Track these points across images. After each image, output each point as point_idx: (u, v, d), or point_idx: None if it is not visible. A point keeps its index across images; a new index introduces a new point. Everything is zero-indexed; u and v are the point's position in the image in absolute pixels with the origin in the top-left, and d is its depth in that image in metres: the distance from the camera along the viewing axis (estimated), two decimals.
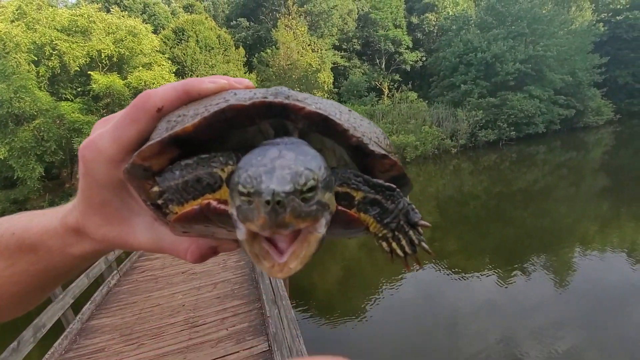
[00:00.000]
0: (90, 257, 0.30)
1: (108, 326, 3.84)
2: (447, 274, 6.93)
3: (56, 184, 23.61)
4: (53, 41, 20.03)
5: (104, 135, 0.25)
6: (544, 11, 27.85)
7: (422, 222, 0.26)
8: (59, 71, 21.14)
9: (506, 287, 6.23)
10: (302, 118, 0.22)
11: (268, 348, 3.11)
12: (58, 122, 19.43)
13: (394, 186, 0.24)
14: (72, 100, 22.14)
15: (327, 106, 0.23)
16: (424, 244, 0.26)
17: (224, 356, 2.96)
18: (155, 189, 0.22)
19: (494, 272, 6.81)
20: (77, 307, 4.07)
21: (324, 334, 5.25)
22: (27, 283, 0.30)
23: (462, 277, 6.76)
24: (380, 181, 0.23)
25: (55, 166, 21.92)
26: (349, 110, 0.26)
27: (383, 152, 0.24)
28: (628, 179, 13.54)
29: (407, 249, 0.26)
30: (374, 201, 0.24)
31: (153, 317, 3.91)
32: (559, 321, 4.99)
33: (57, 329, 3.71)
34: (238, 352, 3.09)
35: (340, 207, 0.22)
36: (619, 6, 34.30)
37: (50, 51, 20.37)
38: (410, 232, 0.25)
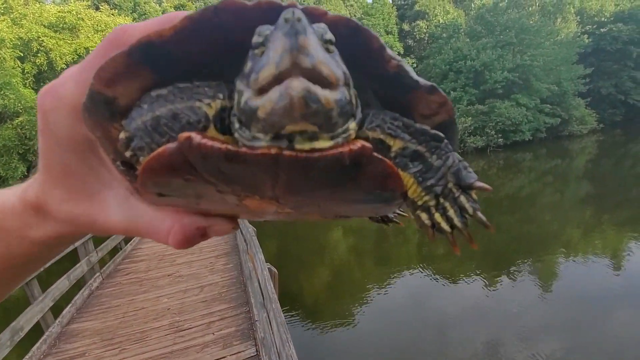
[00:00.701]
0: (53, 243, 0.24)
1: (89, 330, 3.71)
2: (435, 279, 6.99)
3: None
4: (40, 37, 19.64)
5: (66, 79, 0.19)
6: (531, 22, 28.64)
7: (479, 183, 0.20)
8: (45, 68, 20.74)
9: (493, 292, 6.31)
10: (324, 19, 0.16)
11: (256, 353, 3.05)
12: None
13: (442, 135, 0.18)
14: None
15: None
16: (479, 214, 0.21)
17: None
18: (122, 134, 0.17)
19: (481, 277, 6.89)
20: (57, 310, 3.93)
21: (312, 339, 5.20)
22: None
23: (450, 281, 6.81)
24: (425, 127, 0.18)
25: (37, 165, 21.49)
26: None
27: (429, 83, 0.18)
28: (610, 186, 13.93)
29: (455, 220, 0.20)
30: (416, 154, 0.18)
31: (136, 321, 3.80)
32: (544, 325, 5.07)
33: (36, 332, 3.57)
34: (225, 357, 3.02)
35: (375, 153, 0.16)
36: (603, 18, 35.46)
37: (37, 47, 19.98)
38: (462, 198, 0.20)
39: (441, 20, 36.21)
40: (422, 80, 0.18)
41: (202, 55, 0.17)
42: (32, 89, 20.24)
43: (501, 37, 27.88)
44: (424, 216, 0.20)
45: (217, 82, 0.17)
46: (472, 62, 27.36)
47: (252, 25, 0.15)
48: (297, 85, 0.13)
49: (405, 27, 38.14)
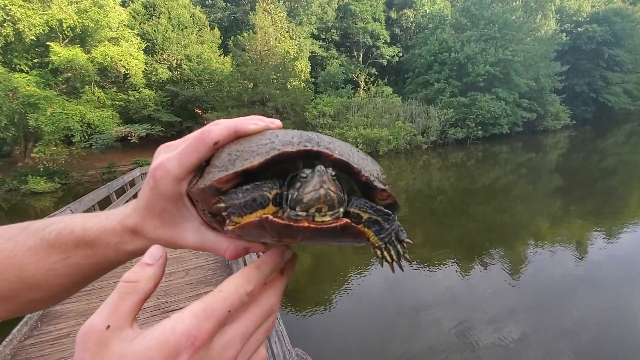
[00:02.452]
0: (139, 252, 0.35)
1: (73, 312, 3.71)
2: (412, 265, 7.26)
3: (8, 162, 21.82)
4: (6, 6, 18.22)
5: (171, 160, 0.31)
6: (514, 17, 29.14)
7: (407, 239, 0.35)
8: (12, 39, 19.32)
9: (465, 278, 6.62)
10: (330, 161, 0.31)
11: None
12: (11, 95, 17.85)
13: (390, 212, 0.33)
14: (27, 73, 20.40)
15: (344, 150, 0.33)
16: (406, 255, 0.36)
17: None
18: (222, 205, 0.29)
19: (455, 263, 7.21)
20: None
21: (292, 321, 5.37)
22: (73, 275, 0.35)
23: (425, 268, 7.07)
24: (382, 208, 0.33)
25: (7, 143, 20.22)
26: (358, 151, 0.35)
27: (382, 186, 0.33)
28: (579, 180, 14.72)
29: (394, 257, 0.35)
30: (376, 221, 0.32)
31: None
32: (510, 309, 5.40)
33: (17, 317, 3.54)
34: None
35: (352, 223, 0.30)
36: (580, 18, 36.52)
37: (3, 17, 18.54)
38: (398, 246, 0.35)
39: (428, 11, 36.24)
40: (379, 185, 0.33)
41: (262, 172, 0.31)
42: (0, 61, 18.89)
43: (485, 30, 28.31)
44: (378, 252, 0.35)
45: (273, 180, 0.31)
46: (457, 55, 27.72)
47: (293, 157, 0.31)
48: (322, 191, 0.28)
49: (393, 15, 37.94)
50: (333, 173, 0.29)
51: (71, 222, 0.35)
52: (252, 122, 0.32)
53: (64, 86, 21.81)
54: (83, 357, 0.23)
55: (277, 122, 0.34)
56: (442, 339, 4.77)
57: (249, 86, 25.70)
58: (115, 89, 23.92)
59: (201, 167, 0.33)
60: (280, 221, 0.29)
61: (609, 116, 38.79)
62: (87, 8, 20.65)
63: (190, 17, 28.93)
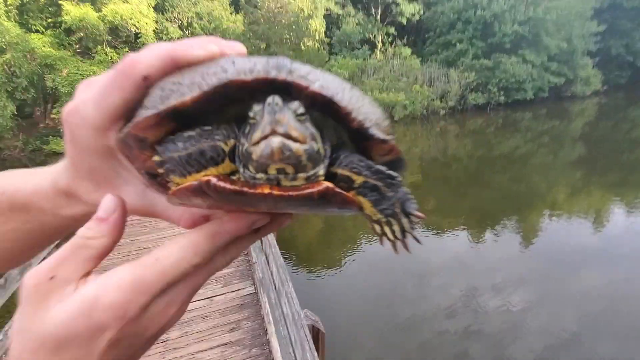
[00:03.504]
0: (81, 218, 0.29)
1: None
2: (423, 231, 7.30)
3: (30, 123, 22.41)
4: None
5: (87, 102, 0.24)
6: None
7: (417, 212, 0.26)
8: None
9: (475, 246, 6.67)
10: (305, 97, 0.21)
11: (254, 291, 3.33)
12: (29, 56, 17.95)
13: (396, 175, 0.24)
14: (42, 33, 20.33)
15: (330, 83, 0.23)
16: (414, 233, 0.27)
17: (212, 297, 3.16)
18: (157, 158, 0.22)
19: (467, 231, 7.21)
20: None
21: (302, 282, 5.57)
22: (20, 240, 0.32)
23: (436, 234, 7.12)
24: (384, 168, 0.24)
25: (28, 104, 20.67)
26: (352, 88, 0.25)
27: (383, 136, 0.24)
28: (604, 150, 14.11)
29: (397, 234, 0.27)
30: (374, 187, 0.24)
31: None
32: (519, 278, 5.43)
33: None
34: (226, 293, 3.29)
35: (336, 189, 0.22)
36: None
37: None
38: (404, 220, 0.26)
39: None
40: (376, 134, 0.24)
41: (214, 113, 0.23)
42: (17, 22, 18.79)
43: None
44: (376, 227, 0.27)
45: (229, 125, 0.23)
46: (483, 12, 25.82)
47: (250, 90, 0.21)
48: (275, 140, 0.19)
49: None
50: (300, 110, 0.21)
51: (6, 181, 0.31)
52: (199, 46, 0.23)
53: (77, 46, 21.71)
54: (24, 306, 0.22)
55: (239, 47, 0.25)
56: (449, 303, 4.86)
57: (262, 47, 24.90)
58: (127, 49, 23.66)
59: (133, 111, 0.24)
60: (227, 186, 0.21)
61: None
62: None
63: None
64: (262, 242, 3.39)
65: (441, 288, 5.26)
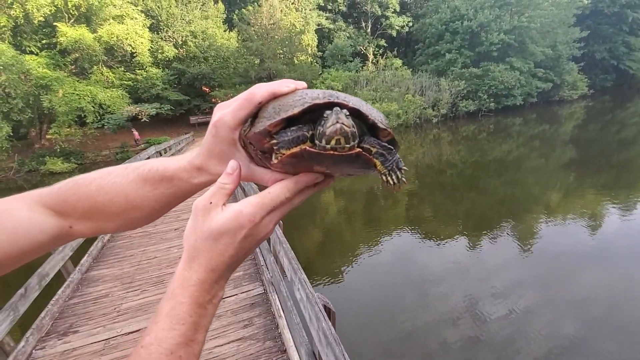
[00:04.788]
0: (204, 185, 0.47)
1: (108, 276, 4.03)
2: (421, 239, 7.34)
3: (25, 144, 22.38)
4: None
5: (227, 114, 0.42)
6: None
7: (404, 167, 0.45)
8: (22, 21, 19.32)
9: (473, 251, 6.65)
10: (346, 108, 0.39)
11: (263, 291, 3.44)
12: (24, 77, 18.09)
13: (392, 147, 0.43)
14: (37, 54, 20.51)
15: (357, 102, 0.42)
16: (403, 179, 0.45)
17: (223, 298, 3.25)
18: (274, 141, 0.39)
19: (464, 237, 7.23)
20: (75, 261, 4.21)
21: None
22: (163, 201, 0.47)
23: (434, 241, 7.13)
24: (385, 143, 0.43)
25: (23, 125, 20.65)
26: (366, 103, 0.44)
27: (384, 127, 0.42)
28: (594, 152, 14.45)
29: (395, 180, 0.44)
30: (382, 154, 0.42)
31: (152, 268, 4.13)
32: (519, 283, 5.43)
33: (59, 280, 3.87)
34: (236, 294, 3.40)
35: (363, 152, 0.40)
36: None
37: None
38: (398, 173, 0.45)
39: None
40: (381, 126, 0.42)
41: (300, 118, 0.40)
42: (10, 44, 18.96)
43: None
44: (383, 177, 0.44)
45: (309, 124, 0.40)
46: (469, 23, 26.65)
47: (321, 106, 0.39)
48: (338, 125, 0.36)
49: None
50: (347, 113, 0.38)
51: (157, 163, 0.47)
52: (285, 85, 0.42)
53: (72, 67, 21.92)
54: (196, 216, 0.39)
55: (303, 84, 0.44)
56: (450, 310, 4.84)
57: (256, 62, 25.38)
58: (122, 69, 23.93)
59: (249, 120, 0.43)
60: (313, 150, 0.38)
61: (630, 84, 37.24)
62: None
63: None
64: (269, 243, 3.52)
65: (441, 295, 5.24)
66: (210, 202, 0.39)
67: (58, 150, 20.29)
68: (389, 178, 0.44)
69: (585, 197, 9.20)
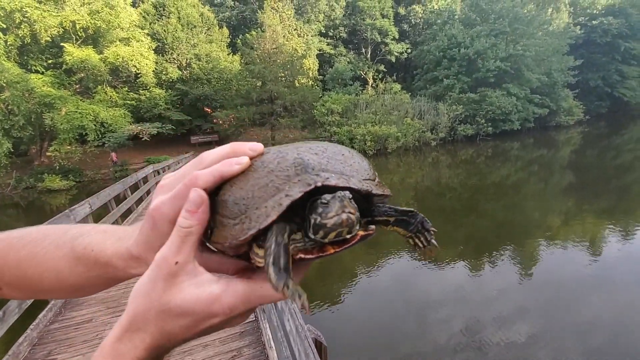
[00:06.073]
0: (140, 274, 0.42)
1: (93, 299, 3.86)
2: (421, 263, 7.19)
3: (25, 160, 22.43)
4: (23, 8, 18.70)
5: (165, 203, 0.34)
6: (525, 11, 28.70)
7: (432, 228, 0.39)
8: (29, 41, 19.83)
9: (474, 276, 6.54)
10: (346, 190, 0.32)
11: (254, 318, 3.28)
12: (27, 95, 18.35)
13: (413, 210, 0.38)
14: (42, 73, 20.92)
15: (341, 167, 0.35)
16: (433, 241, 0.39)
17: None
18: (259, 251, 0.32)
19: (464, 261, 7.12)
20: None
21: (302, 318, 5.42)
22: (96, 284, 0.43)
23: (434, 266, 7.01)
24: (404, 208, 0.38)
25: (23, 142, 20.76)
26: (346, 153, 0.37)
27: (382, 192, 0.36)
28: (592, 177, 14.47)
29: (424, 242, 0.39)
30: (403, 220, 0.38)
31: None
32: (520, 310, 5.29)
33: (41, 302, 3.72)
34: None
35: (367, 232, 0.34)
36: (595, 11, 35.76)
37: (20, 18, 19.03)
38: (426, 234, 0.39)
39: (436, 7, 35.91)
40: (376, 191, 0.35)
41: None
42: (16, 62, 19.36)
43: (495, 25, 27.94)
44: (410, 241, 0.40)
45: (291, 223, 0.32)
46: (466, 50, 27.44)
47: (317, 193, 0.31)
48: (344, 215, 0.29)
49: (401, 11, 37.71)
50: (350, 196, 0.31)
51: (94, 240, 0.41)
52: (235, 162, 0.34)
53: (77, 86, 22.30)
54: (156, 279, 0.31)
55: (258, 148, 0.36)
56: (450, 336, 4.71)
57: (258, 84, 25.88)
58: (126, 89, 24.35)
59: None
60: (312, 257, 0.32)
61: (624, 111, 37.89)
62: (99, 9, 21.06)
63: (199, 16, 29.23)
64: None
65: (442, 322, 5.09)
66: (177, 262, 0.31)
67: (57, 167, 20.29)
68: (417, 241, 0.40)
69: (585, 222, 9.12)
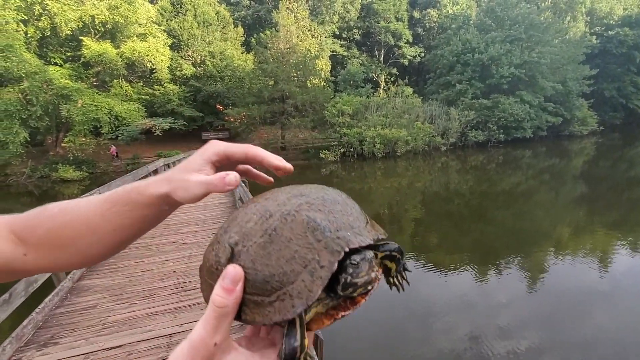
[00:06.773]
0: (171, 210, 0.44)
1: (99, 286, 3.94)
2: (426, 269, 7.11)
3: (40, 150, 22.93)
4: (44, 0, 19.17)
5: (201, 171, 0.40)
6: (541, 18, 28.27)
7: (407, 269, 0.45)
8: (48, 33, 20.31)
9: (480, 284, 6.42)
10: (366, 249, 0.35)
11: None
12: (45, 86, 18.79)
13: (401, 249, 0.41)
14: (61, 65, 21.40)
15: (344, 219, 0.36)
16: (406, 280, 0.45)
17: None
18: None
19: (470, 269, 7.00)
20: None
21: None
22: (137, 225, 0.43)
23: (439, 272, 6.93)
24: (397, 246, 0.41)
25: (40, 132, 21.24)
26: (345, 203, 0.39)
27: (383, 236, 0.39)
28: (604, 188, 14.15)
29: (400, 281, 0.44)
30: (399, 259, 0.42)
31: (144, 281, 4.03)
32: (525, 320, 5.19)
33: (48, 287, 3.80)
34: None
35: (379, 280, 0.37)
36: (611, 21, 35.06)
37: (40, 11, 19.50)
38: (404, 273, 0.44)
39: (450, 11, 35.64)
40: (377, 238, 0.38)
41: None
42: (36, 54, 19.83)
43: (510, 31, 27.59)
44: (391, 280, 0.43)
45: (326, 291, 0.34)
46: (480, 55, 27.14)
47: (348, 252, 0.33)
48: (372, 274, 0.33)
49: (416, 14, 37.55)
50: (373, 255, 0.34)
51: (137, 186, 0.43)
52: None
53: (94, 79, 22.75)
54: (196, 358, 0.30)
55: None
56: (454, 345, 4.63)
57: (270, 83, 26.01)
58: (141, 84, 24.75)
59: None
60: (349, 312, 0.36)
61: (638, 123, 37.03)
62: (118, 4, 21.46)
63: (215, 14, 29.56)
64: None
65: (446, 330, 5.00)
66: (215, 344, 0.30)
67: (71, 158, 20.71)
68: (395, 280, 0.44)
69: (596, 234, 8.92)
